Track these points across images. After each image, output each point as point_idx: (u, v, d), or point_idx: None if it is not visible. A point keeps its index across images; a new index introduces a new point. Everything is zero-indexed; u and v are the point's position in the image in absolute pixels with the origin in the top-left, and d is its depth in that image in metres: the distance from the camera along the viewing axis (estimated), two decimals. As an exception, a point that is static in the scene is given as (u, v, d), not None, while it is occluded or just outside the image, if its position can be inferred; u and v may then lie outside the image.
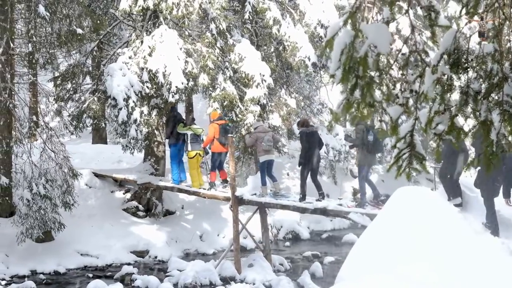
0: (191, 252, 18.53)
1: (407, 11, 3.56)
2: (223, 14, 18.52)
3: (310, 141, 14.78)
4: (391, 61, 3.58)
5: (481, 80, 3.79)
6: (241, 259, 15.83)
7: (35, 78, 19.29)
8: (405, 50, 3.69)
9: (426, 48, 3.66)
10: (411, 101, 3.69)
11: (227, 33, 18.56)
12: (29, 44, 16.78)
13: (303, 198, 15.00)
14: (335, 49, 3.42)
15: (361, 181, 14.15)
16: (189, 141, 17.69)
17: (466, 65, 3.78)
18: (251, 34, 19.95)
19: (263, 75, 18.31)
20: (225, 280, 15.10)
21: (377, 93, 3.52)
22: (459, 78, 3.79)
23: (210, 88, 18.09)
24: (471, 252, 8.65)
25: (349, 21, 3.35)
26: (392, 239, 9.30)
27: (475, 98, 3.74)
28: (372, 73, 3.43)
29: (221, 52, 18.27)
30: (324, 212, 14.22)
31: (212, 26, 18.08)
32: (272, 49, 20.46)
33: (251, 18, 19.66)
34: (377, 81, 3.44)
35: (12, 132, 16.47)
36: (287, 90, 21.56)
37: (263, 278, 14.98)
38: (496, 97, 3.72)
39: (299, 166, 15.42)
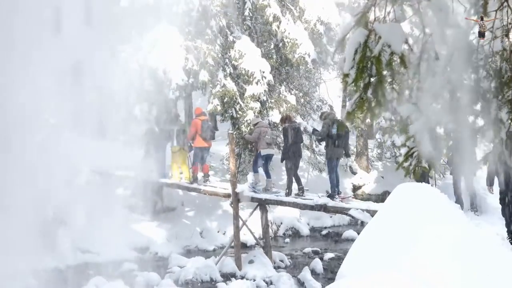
0: (192, 249, 18.54)
1: (417, 10, 3.58)
2: (223, 11, 18.52)
3: (294, 137, 15.09)
4: (406, 62, 3.59)
5: (490, 78, 3.81)
6: (242, 255, 15.85)
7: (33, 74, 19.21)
8: (417, 49, 3.71)
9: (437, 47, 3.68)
10: (422, 101, 3.71)
11: (227, 30, 18.56)
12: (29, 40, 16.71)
13: (289, 193, 15.23)
14: (348, 48, 3.44)
15: (331, 174, 14.53)
16: (174, 136, 18.06)
17: (476, 64, 3.79)
18: (251, 31, 19.94)
19: (263, 72, 18.32)
20: (226, 277, 15.12)
21: (389, 92, 3.54)
22: (469, 77, 3.81)
23: (210, 85, 18.09)
24: (472, 248, 8.67)
25: (361, 21, 3.36)
26: (393, 236, 9.31)
27: (484, 97, 3.77)
28: (384, 72, 3.45)
29: (221, 49, 18.27)
30: (324, 208, 14.23)
31: (212, 23, 18.09)
32: (272, 46, 20.47)
33: (251, 15, 19.66)
34: (389, 80, 3.46)
35: (12, 128, 16.42)
36: (287, 86, 21.56)
37: (264, 274, 15.00)
38: (506, 96, 3.75)
39: (282, 162, 15.72)
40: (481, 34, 3.92)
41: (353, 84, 3.46)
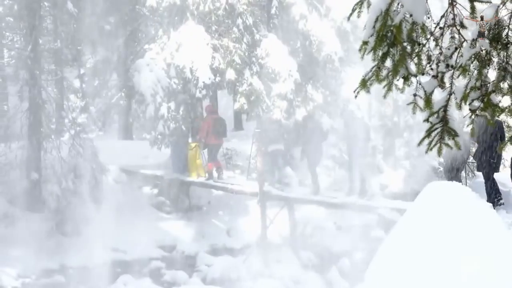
0: (219, 248, 18.47)
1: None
2: (250, 9, 18.45)
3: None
4: (427, 33, 3.51)
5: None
6: (269, 254, 15.77)
7: (62, 75, 19.41)
8: (442, 23, 3.62)
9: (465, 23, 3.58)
10: (447, 76, 3.61)
11: (253, 28, 18.48)
12: (58, 41, 16.91)
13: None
14: (369, 15, 3.37)
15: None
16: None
17: (506, 40, 3.68)
18: (278, 29, 19.83)
19: (290, 70, 18.21)
20: (253, 276, 15.05)
21: (412, 66, 3.46)
22: (498, 54, 3.69)
23: (237, 84, 18.05)
24: (507, 251, 8.42)
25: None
26: (422, 236, 9.13)
27: (512, 75, 3.65)
28: (405, 44, 3.38)
29: (247, 47, 18.19)
30: (352, 206, 14.11)
31: (239, 21, 18.02)
32: (298, 44, 20.33)
33: (277, 13, 19.57)
34: (410, 52, 3.38)
35: (41, 128, 16.61)
36: (313, 85, 21.38)
37: (291, 273, 14.92)
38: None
39: (301, 160, 16.08)
40: (481, 34, 3.81)
41: (372, 52, 3.40)
